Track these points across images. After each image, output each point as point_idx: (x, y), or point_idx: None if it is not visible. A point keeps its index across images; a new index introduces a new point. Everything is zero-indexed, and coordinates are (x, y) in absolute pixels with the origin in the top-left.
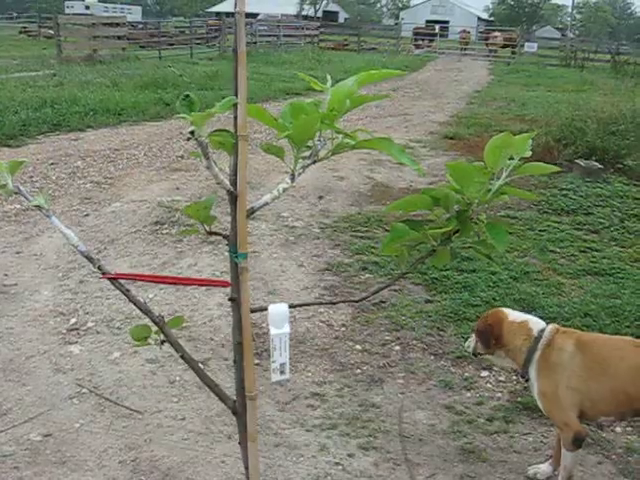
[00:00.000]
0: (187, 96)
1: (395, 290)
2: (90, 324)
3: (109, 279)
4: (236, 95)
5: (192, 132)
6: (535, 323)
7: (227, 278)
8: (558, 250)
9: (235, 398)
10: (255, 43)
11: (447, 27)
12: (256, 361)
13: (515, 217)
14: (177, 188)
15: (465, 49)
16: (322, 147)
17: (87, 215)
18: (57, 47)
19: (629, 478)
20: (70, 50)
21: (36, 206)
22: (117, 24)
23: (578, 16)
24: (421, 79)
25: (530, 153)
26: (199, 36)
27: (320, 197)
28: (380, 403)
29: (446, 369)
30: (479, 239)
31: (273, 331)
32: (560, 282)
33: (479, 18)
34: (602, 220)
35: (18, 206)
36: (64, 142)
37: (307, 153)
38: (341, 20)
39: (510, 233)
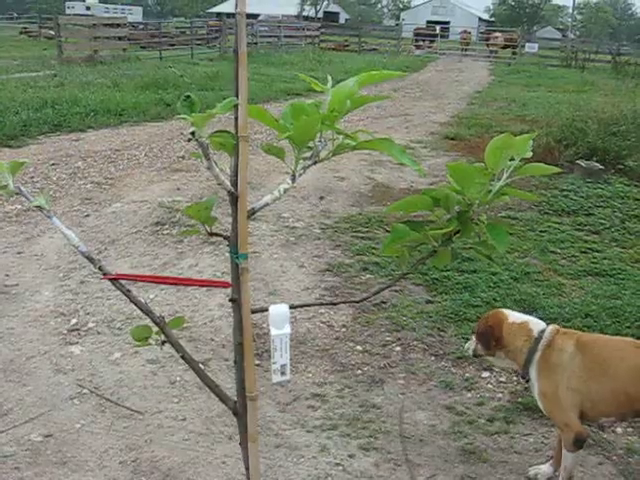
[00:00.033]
0: (188, 97)
1: (396, 291)
2: (91, 324)
3: (110, 280)
4: (237, 96)
5: (193, 133)
6: (535, 324)
7: (228, 279)
8: (559, 251)
9: (236, 399)
10: (256, 44)
11: (448, 28)
12: (257, 362)
13: (516, 218)
14: (178, 189)
15: (466, 50)
16: (323, 148)
17: (88, 215)
18: (58, 48)
19: (630, 479)
20: (71, 51)
21: (37, 207)
22: (118, 25)
23: (579, 17)
24: (422, 80)
25: (531, 154)
26: (200, 37)
27: (321, 198)
28: (381, 404)
29: (447, 370)
30: (480, 240)
31: (274, 332)
32: (561, 283)
33: (480, 19)
34: (603, 221)
35: (19, 206)
36: (65, 143)
37: (308, 154)
38: (342, 21)
39: (511, 234)
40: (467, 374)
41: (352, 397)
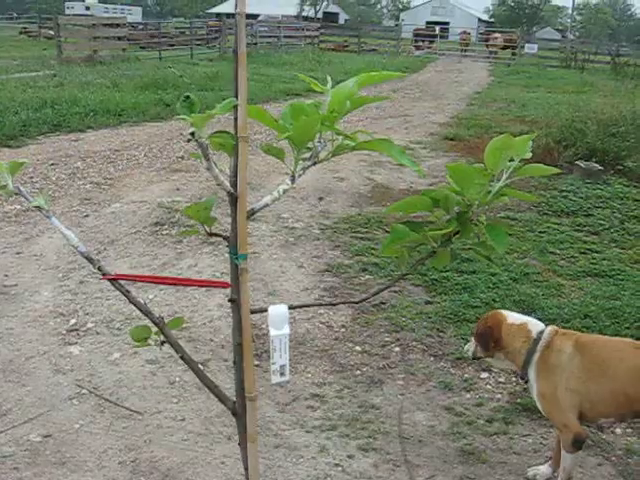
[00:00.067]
0: (187, 97)
1: (395, 291)
2: (90, 325)
3: (109, 280)
4: (236, 96)
5: (192, 133)
6: (534, 325)
7: (227, 279)
8: (558, 251)
9: (235, 399)
10: (255, 44)
11: (447, 28)
12: (256, 362)
13: (515, 218)
14: (177, 189)
15: (465, 50)
16: (322, 148)
17: (87, 216)
18: (57, 48)
19: None
20: (70, 51)
21: (36, 207)
22: (117, 25)
23: (578, 17)
24: (421, 80)
25: (530, 155)
26: (199, 37)
27: (320, 198)
28: (380, 404)
29: (446, 370)
30: (479, 240)
31: (273, 332)
32: (560, 283)
33: (479, 19)
34: (602, 222)
35: (18, 207)
36: (64, 143)
37: (307, 154)
38: (341, 21)
39: (510, 234)
40: (466, 375)
41: (351, 398)
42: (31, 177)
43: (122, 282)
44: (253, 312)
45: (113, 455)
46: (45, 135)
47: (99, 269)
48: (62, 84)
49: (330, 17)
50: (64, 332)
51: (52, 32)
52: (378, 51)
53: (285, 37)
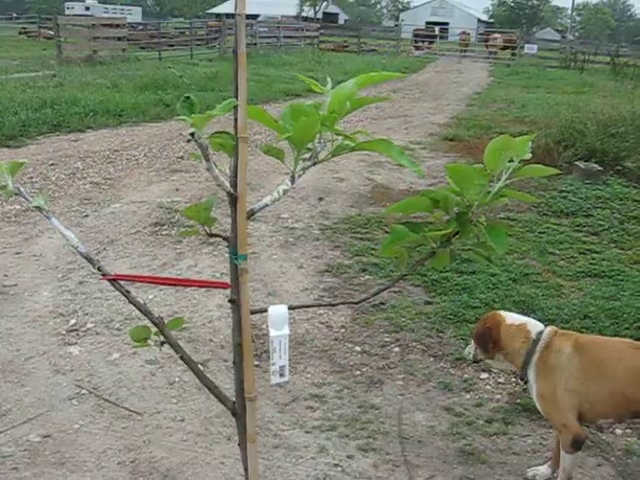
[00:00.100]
0: (188, 98)
1: (395, 292)
2: (89, 325)
3: (109, 280)
4: (236, 97)
5: (192, 134)
6: (533, 325)
7: (227, 279)
8: (557, 252)
9: (234, 399)
10: (255, 44)
11: (447, 29)
12: (255, 362)
13: (515, 219)
14: (177, 189)
15: (465, 51)
16: (322, 149)
17: (87, 216)
18: (57, 48)
19: None
20: (70, 51)
21: (36, 207)
22: (117, 25)
23: (578, 18)
24: (421, 81)
25: (530, 155)
26: (199, 37)
27: (320, 199)
28: (379, 404)
29: (445, 371)
30: (479, 241)
31: (273, 333)
32: (559, 284)
33: (479, 20)
34: (602, 222)
35: (18, 207)
36: (64, 143)
37: (307, 155)
38: (341, 22)
39: (510, 235)
40: (466, 375)
41: (351, 398)
42: (31, 177)
43: (122, 282)
44: (253, 312)
45: (112, 455)
46: (45, 135)
47: (99, 269)
48: (62, 84)
49: (330, 17)
50: (64, 332)
51: (52, 32)
52: (378, 51)
53: (285, 37)
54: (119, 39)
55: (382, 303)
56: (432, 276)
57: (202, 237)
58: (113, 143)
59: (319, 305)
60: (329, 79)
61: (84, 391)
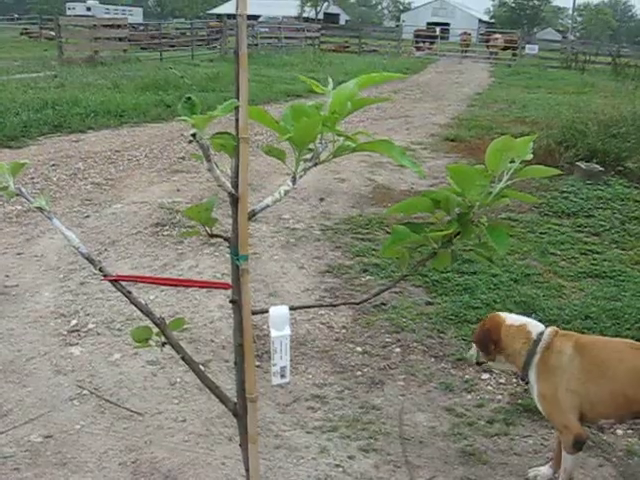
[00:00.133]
0: (189, 98)
1: (396, 292)
2: (91, 325)
3: (110, 281)
4: (237, 97)
5: (194, 134)
6: (533, 326)
7: (228, 280)
8: (559, 253)
9: (236, 400)
10: (256, 45)
11: (448, 29)
12: (257, 363)
13: (516, 220)
14: (178, 190)
15: (466, 51)
16: (323, 149)
17: (88, 216)
18: (58, 48)
19: None
20: (71, 52)
21: (37, 208)
22: (118, 26)
23: (579, 18)
24: (422, 81)
25: (531, 156)
26: (200, 38)
27: (321, 199)
28: (380, 405)
29: (446, 371)
30: (480, 242)
31: (274, 333)
32: (561, 284)
33: (480, 20)
34: (603, 223)
35: (19, 207)
36: (65, 143)
37: (308, 155)
38: (342, 22)
39: (511, 236)
40: (467, 376)
41: (352, 398)
42: (32, 178)
43: (123, 283)
44: (254, 313)
45: (114, 456)
46: (46, 136)
47: (100, 270)
48: (63, 85)
49: (331, 18)
50: (65, 333)
51: (53, 33)
52: (379, 52)
53: (286, 38)
54: (120, 40)
55: (383, 304)
56: (433, 277)
57: (203, 238)
58: (114, 144)
59: (320, 306)
60: (330, 80)
61: (85, 391)
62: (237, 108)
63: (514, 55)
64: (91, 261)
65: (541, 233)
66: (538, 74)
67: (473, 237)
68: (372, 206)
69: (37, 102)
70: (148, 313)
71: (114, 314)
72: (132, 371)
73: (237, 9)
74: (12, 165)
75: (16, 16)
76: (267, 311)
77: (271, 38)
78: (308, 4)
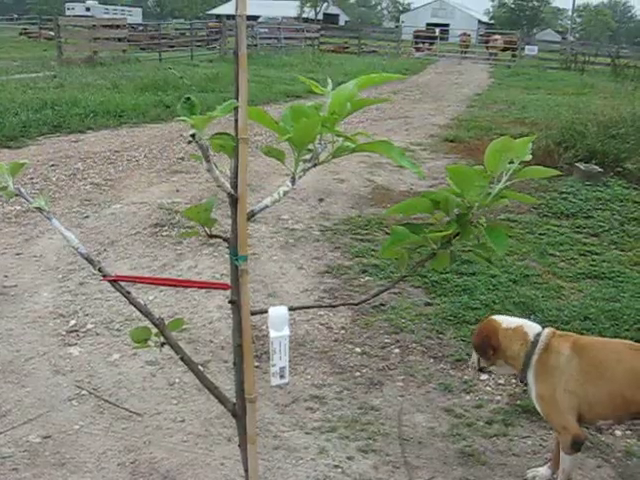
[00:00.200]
0: (188, 99)
1: (395, 293)
2: (90, 326)
3: (109, 281)
4: (237, 98)
5: (193, 135)
6: (531, 327)
7: (227, 280)
8: (558, 253)
9: (235, 400)
10: (256, 45)
11: (447, 30)
12: (256, 363)
13: (515, 220)
14: (177, 190)
15: (465, 52)
16: (323, 150)
17: (87, 217)
18: (57, 49)
19: None
20: (70, 52)
21: (37, 208)
22: (117, 26)
23: (578, 19)
24: (421, 82)
25: (530, 157)
26: (199, 38)
27: (320, 200)
28: (379, 406)
29: (445, 372)
30: (479, 242)
31: (273, 334)
32: (560, 285)
33: (479, 21)
34: (602, 223)
35: (18, 207)
36: (64, 144)
37: (308, 156)
38: (341, 23)
39: (510, 236)
40: (466, 377)
41: (351, 399)
42: (31, 178)
43: (122, 283)
44: (253, 313)
45: (112, 456)
46: (45, 136)
47: (99, 270)
48: (62, 85)
49: (330, 19)
50: (64, 333)
51: (52, 33)
52: (378, 53)
53: (285, 39)
54: (119, 40)
55: (382, 304)
56: (432, 277)
57: (202, 238)
58: (113, 144)
59: (319, 306)
60: (329, 80)
61: (84, 392)
62: (236, 109)
63: (513, 56)
64: (90, 261)
65: (540, 234)
66: (537, 75)
67: (472, 238)
68: (371, 207)
69: (36, 102)
70: (147, 313)
71: (113, 314)
72: (131, 371)
73: (236, 10)
74: (11, 165)
75: (15, 16)
76: (266, 312)
77: (271, 39)
78: (307, 5)
